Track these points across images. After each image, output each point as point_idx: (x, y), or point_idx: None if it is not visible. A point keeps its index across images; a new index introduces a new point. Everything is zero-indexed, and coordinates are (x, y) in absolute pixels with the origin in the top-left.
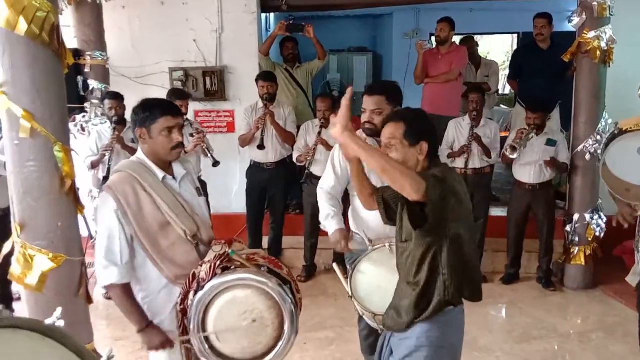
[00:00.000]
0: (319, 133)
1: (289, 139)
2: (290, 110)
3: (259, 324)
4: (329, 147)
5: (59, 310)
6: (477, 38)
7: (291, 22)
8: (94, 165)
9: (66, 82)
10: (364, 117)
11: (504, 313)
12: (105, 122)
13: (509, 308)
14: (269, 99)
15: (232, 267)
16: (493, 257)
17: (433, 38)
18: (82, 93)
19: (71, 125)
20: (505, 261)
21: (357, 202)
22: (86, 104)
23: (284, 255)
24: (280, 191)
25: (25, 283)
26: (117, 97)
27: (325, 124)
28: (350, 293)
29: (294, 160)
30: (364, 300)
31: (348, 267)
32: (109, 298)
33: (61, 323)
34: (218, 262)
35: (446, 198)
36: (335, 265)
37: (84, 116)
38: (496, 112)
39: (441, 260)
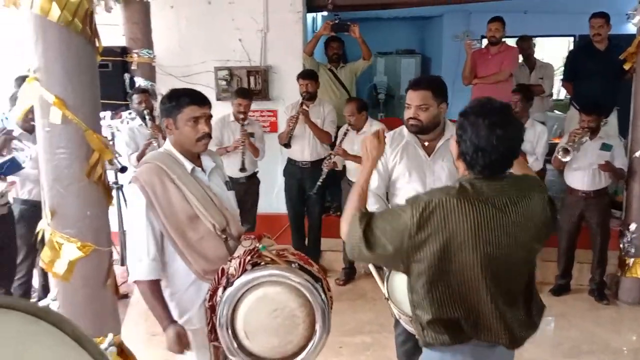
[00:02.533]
0: (341, 141)
1: (325, 138)
2: (330, 109)
3: (289, 322)
4: (346, 156)
5: (54, 292)
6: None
7: (337, 22)
8: (139, 159)
9: (113, 79)
10: (409, 113)
11: (552, 326)
12: (135, 117)
13: (558, 320)
14: (309, 97)
15: (262, 263)
16: (542, 267)
17: (485, 40)
18: (129, 90)
19: (117, 121)
20: (556, 271)
21: (396, 202)
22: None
23: (323, 258)
24: (316, 192)
25: (53, 271)
26: (145, 91)
27: (353, 128)
28: (386, 295)
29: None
30: (401, 304)
31: (385, 268)
32: None
33: (55, 304)
34: (248, 258)
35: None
36: (371, 267)
37: (130, 113)
38: (550, 118)
39: (412, 295)
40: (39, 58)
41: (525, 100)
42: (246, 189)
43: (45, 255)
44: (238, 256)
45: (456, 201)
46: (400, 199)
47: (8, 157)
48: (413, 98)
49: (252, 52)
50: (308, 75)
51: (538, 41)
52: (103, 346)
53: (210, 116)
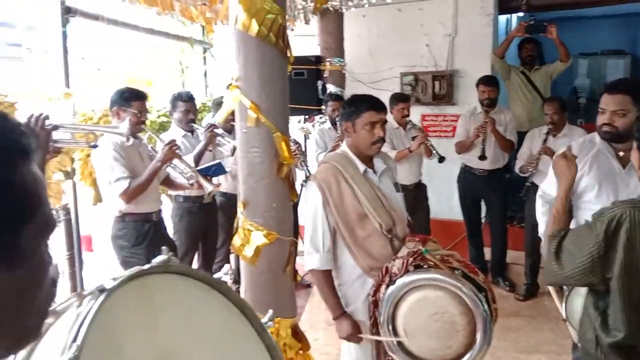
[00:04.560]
0: (545, 140)
1: (508, 147)
2: (511, 117)
3: (449, 328)
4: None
5: (226, 267)
6: None
7: (531, 22)
8: None
9: (308, 86)
10: (602, 119)
11: None
12: (326, 121)
13: None
14: (489, 104)
15: (425, 266)
16: None
17: None
18: (321, 96)
19: (309, 124)
20: None
21: (580, 215)
22: (323, 106)
23: (509, 270)
24: (497, 201)
25: (242, 254)
26: (339, 99)
27: (553, 130)
28: (564, 316)
29: (516, 170)
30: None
31: (565, 287)
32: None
33: (227, 279)
34: (411, 259)
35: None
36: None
37: (321, 117)
38: None
39: (592, 310)
40: (240, 68)
41: None
42: (414, 196)
43: (237, 240)
44: (402, 256)
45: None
46: (585, 213)
47: (215, 162)
48: (609, 102)
49: (438, 56)
50: (490, 82)
51: None
52: (263, 320)
53: (386, 121)
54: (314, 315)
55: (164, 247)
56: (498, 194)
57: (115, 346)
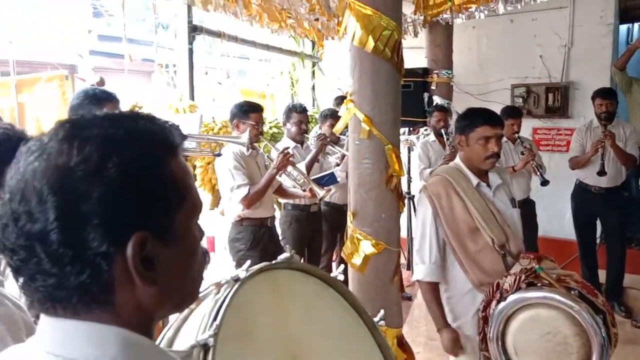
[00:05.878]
0: None
1: (629, 162)
2: (632, 130)
3: (561, 349)
4: None
5: (341, 267)
6: None
7: None
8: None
9: (414, 98)
10: None
11: None
12: (430, 133)
13: None
14: (607, 118)
15: (539, 284)
16: None
17: None
18: (427, 108)
19: (414, 136)
20: None
21: None
22: (427, 118)
23: (625, 295)
24: (615, 221)
25: (351, 262)
26: (444, 110)
27: None
28: None
29: None
30: None
31: None
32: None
33: (341, 277)
34: (523, 277)
35: None
36: None
37: (426, 129)
38: None
39: None
40: (355, 83)
41: None
42: (522, 213)
43: (346, 248)
44: (514, 273)
45: None
46: None
47: (328, 172)
48: None
49: (552, 68)
50: (607, 94)
51: None
52: (375, 319)
53: (502, 136)
54: (414, 328)
55: (287, 245)
56: (617, 213)
57: (247, 328)
